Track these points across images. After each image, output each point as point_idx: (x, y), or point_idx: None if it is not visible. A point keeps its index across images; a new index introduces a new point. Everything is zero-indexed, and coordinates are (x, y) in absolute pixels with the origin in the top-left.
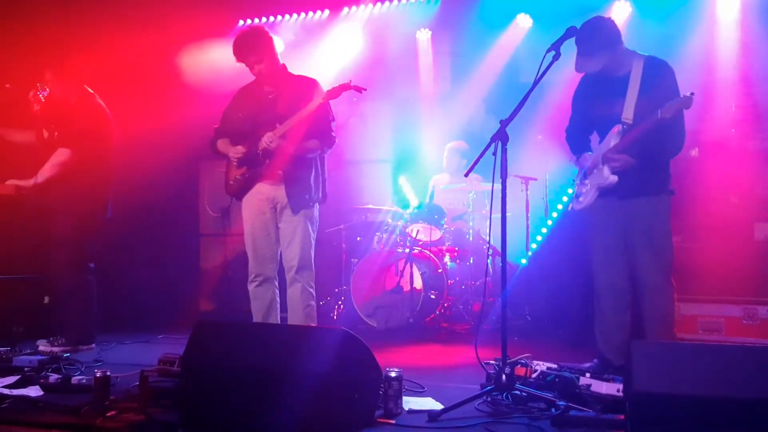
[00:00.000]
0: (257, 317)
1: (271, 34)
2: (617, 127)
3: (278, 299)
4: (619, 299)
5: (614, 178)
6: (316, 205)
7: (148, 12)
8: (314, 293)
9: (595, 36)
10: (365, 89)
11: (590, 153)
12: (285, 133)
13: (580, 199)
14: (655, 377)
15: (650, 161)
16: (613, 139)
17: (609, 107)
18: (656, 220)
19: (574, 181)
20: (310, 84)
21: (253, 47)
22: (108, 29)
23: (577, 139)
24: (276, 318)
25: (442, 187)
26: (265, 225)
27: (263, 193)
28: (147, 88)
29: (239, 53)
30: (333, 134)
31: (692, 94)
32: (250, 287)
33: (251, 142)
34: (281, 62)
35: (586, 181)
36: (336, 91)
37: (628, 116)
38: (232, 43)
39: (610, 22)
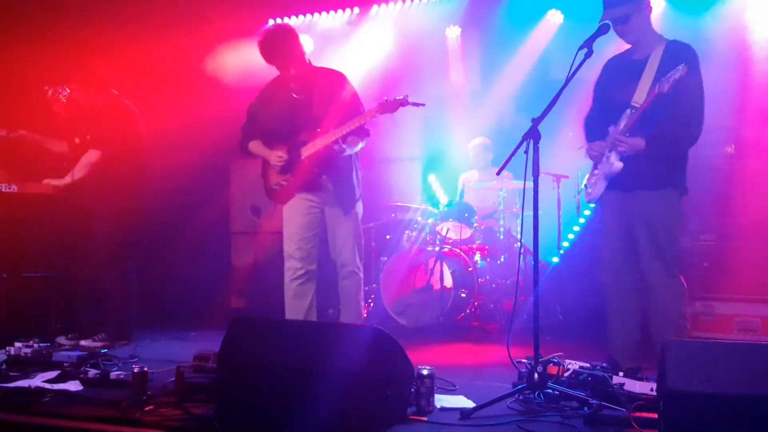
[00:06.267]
0: (297, 314)
1: (297, 32)
2: (627, 111)
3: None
4: (625, 298)
5: (619, 165)
6: (360, 201)
7: (176, 11)
8: None
9: None
10: (423, 104)
11: (601, 141)
12: (328, 140)
13: (589, 190)
14: (689, 376)
15: (661, 151)
16: (622, 124)
17: (624, 92)
18: (659, 214)
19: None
20: (339, 79)
21: (280, 50)
22: (135, 29)
23: (593, 127)
24: (314, 316)
25: (473, 185)
26: (312, 225)
27: (309, 199)
28: (177, 87)
29: (267, 56)
30: (366, 126)
31: (685, 65)
32: (293, 285)
33: (291, 147)
34: (307, 59)
35: (596, 171)
36: (391, 105)
37: (638, 100)
38: (257, 43)
39: None
